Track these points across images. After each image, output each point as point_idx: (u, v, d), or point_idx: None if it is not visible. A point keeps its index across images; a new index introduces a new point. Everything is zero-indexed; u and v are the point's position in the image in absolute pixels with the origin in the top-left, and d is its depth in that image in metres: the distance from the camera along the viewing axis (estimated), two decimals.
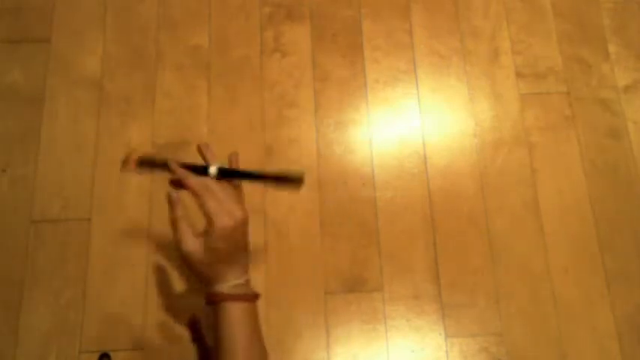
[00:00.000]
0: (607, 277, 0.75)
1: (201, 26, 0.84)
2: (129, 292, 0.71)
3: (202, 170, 0.56)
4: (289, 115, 0.81)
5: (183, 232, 0.53)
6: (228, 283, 0.53)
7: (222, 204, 0.52)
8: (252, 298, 0.55)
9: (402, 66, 0.84)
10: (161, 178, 0.76)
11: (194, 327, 0.68)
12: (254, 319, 0.54)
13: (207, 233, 0.52)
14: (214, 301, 0.53)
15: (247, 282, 0.55)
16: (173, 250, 0.73)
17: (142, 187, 0.76)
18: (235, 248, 0.53)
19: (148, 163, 0.59)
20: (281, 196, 0.76)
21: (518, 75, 0.85)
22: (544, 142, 0.81)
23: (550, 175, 0.80)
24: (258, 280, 0.73)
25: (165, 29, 0.84)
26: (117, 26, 0.84)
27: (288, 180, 0.56)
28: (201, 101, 0.81)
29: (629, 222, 0.78)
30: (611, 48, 0.87)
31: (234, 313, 0.52)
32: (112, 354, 0.69)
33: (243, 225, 0.53)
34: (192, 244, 0.52)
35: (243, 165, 0.78)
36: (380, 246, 0.75)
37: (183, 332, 0.70)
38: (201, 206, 0.52)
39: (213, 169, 0.55)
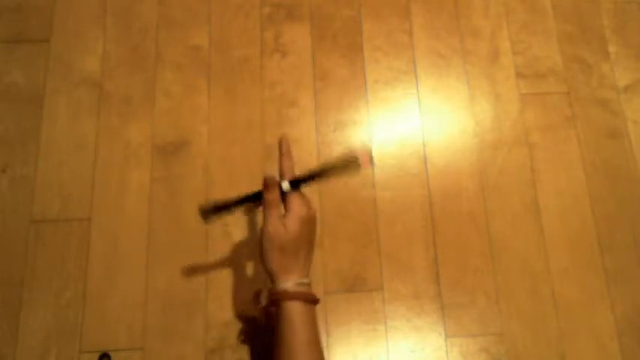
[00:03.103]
0: (607, 277, 0.75)
1: (201, 26, 0.84)
2: (129, 292, 0.71)
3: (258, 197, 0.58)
4: (289, 115, 0.81)
5: (272, 214, 0.55)
6: (293, 280, 0.54)
7: (301, 196, 0.57)
8: (314, 300, 0.56)
9: (402, 66, 0.84)
10: (161, 178, 0.76)
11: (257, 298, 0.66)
12: (314, 323, 0.55)
13: (286, 218, 0.55)
14: (278, 299, 0.54)
15: (309, 284, 0.56)
16: (173, 249, 0.74)
17: (142, 187, 0.76)
18: (307, 240, 0.56)
19: (222, 207, 0.60)
20: None
21: (519, 75, 0.85)
22: (544, 142, 0.81)
23: (550, 175, 0.80)
24: None
25: (166, 29, 0.84)
26: (117, 26, 0.84)
27: (349, 166, 0.57)
28: (201, 101, 0.81)
29: (629, 222, 0.78)
30: (611, 48, 0.87)
31: (296, 313, 0.53)
32: (112, 354, 0.69)
33: (314, 221, 0.57)
34: (276, 224, 0.55)
35: (243, 166, 0.78)
36: (380, 246, 0.75)
37: (183, 332, 0.70)
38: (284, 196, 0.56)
39: (285, 184, 0.57)
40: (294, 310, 0.53)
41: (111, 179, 0.76)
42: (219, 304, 0.71)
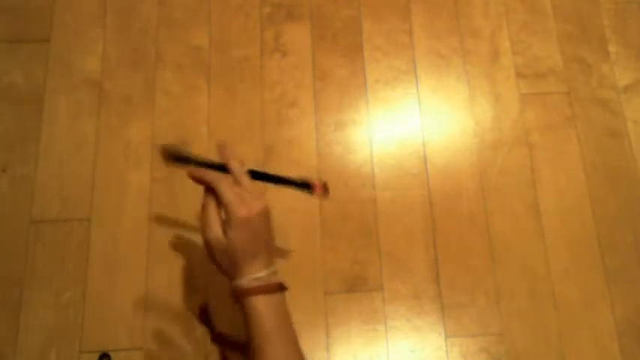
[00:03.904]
0: (607, 277, 0.75)
1: (201, 26, 0.84)
2: (129, 292, 0.71)
3: (222, 169, 0.57)
4: (289, 115, 0.81)
5: (210, 219, 0.53)
6: (249, 276, 0.53)
7: (239, 194, 0.53)
8: (275, 289, 0.54)
9: (402, 66, 0.84)
10: (161, 178, 0.76)
11: (203, 314, 0.68)
12: (281, 311, 0.54)
13: (225, 223, 0.53)
14: (237, 297, 0.53)
15: (270, 274, 0.54)
16: (173, 249, 0.74)
17: (142, 187, 0.76)
18: (254, 240, 0.53)
19: (172, 155, 0.58)
20: (281, 196, 0.76)
21: (519, 75, 0.85)
22: (544, 142, 0.81)
23: (550, 175, 0.80)
24: None
25: (166, 29, 0.84)
26: (117, 26, 0.84)
27: (310, 187, 0.56)
28: (201, 101, 0.81)
29: (629, 222, 0.78)
30: (611, 48, 0.87)
31: (258, 307, 0.52)
32: (112, 354, 0.69)
33: (260, 216, 0.53)
34: (215, 232, 0.53)
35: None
36: (380, 246, 0.75)
37: (183, 332, 0.70)
38: (219, 196, 0.53)
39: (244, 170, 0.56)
40: (253, 304, 0.52)
41: (111, 179, 0.76)
42: (219, 304, 0.71)
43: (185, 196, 0.76)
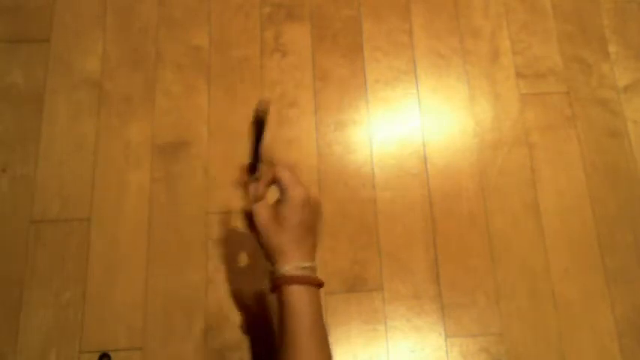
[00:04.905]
0: (607, 277, 0.75)
1: (201, 26, 0.84)
2: (129, 292, 0.71)
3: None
4: (289, 115, 0.81)
5: (258, 196, 0.55)
6: (294, 264, 0.53)
7: (296, 177, 0.54)
8: (317, 283, 0.54)
9: (402, 66, 0.84)
10: (161, 178, 0.76)
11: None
12: (317, 306, 0.53)
13: (279, 202, 0.54)
14: (279, 284, 0.52)
15: (312, 268, 0.54)
16: (173, 249, 0.74)
17: (142, 187, 0.76)
18: (302, 225, 0.54)
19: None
20: None
21: (519, 75, 0.85)
22: (544, 142, 0.81)
23: (550, 175, 0.80)
24: None
25: (166, 29, 0.84)
26: (117, 26, 0.84)
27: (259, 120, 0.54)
28: (201, 101, 0.81)
29: (629, 222, 0.78)
30: (611, 48, 0.87)
31: (298, 296, 0.52)
32: (112, 354, 0.69)
33: (313, 202, 0.55)
34: (264, 209, 0.54)
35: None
36: (380, 246, 0.75)
37: (183, 332, 0.70)
38: (277, 176, 0.54)
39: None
40: (294, 294, 0.52)
41: (111, 179, 0.76)
42: (219, 304, 0.72)
43: (185, 196, 0.76)
